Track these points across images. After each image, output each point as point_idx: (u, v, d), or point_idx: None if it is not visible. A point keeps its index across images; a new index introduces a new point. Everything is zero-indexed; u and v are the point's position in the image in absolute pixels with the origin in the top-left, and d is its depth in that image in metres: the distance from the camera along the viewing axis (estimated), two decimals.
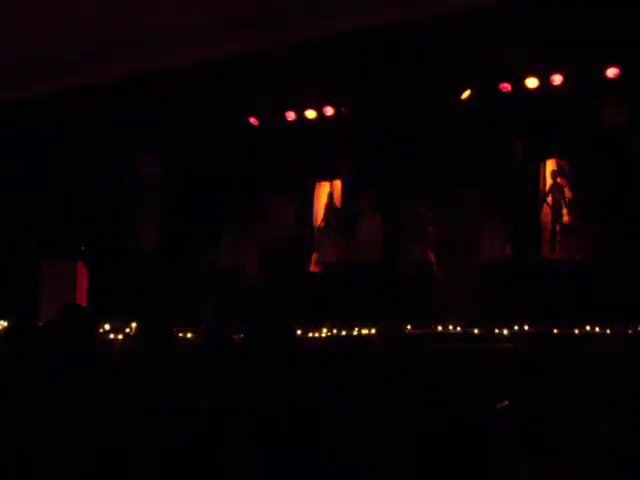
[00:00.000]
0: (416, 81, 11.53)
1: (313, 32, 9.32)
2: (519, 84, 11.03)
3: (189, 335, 8.65)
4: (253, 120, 12.98)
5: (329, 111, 12.32)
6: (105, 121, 11.71)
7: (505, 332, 9.15)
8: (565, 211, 11.44)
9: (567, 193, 11.70)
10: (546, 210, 11.80)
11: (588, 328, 9.41)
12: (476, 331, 9.40)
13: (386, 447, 4.11)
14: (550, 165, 11.91)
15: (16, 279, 12.60)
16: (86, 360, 4.64)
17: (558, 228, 11.45)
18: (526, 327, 9.89)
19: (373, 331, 9.01)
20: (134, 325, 9.14)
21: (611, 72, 10.34)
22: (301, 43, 9.55)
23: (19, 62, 10.76)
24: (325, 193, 13.58)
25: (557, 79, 10.69)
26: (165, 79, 10.75)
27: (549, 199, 11.79)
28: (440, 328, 9.89)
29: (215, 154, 13.06)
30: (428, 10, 8.76)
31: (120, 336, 8.51)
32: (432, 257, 11.01)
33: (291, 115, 12.70)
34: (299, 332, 9.01)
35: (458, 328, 9.91)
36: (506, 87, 11.07)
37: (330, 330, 9.65)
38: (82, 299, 11.45)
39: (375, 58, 10.04)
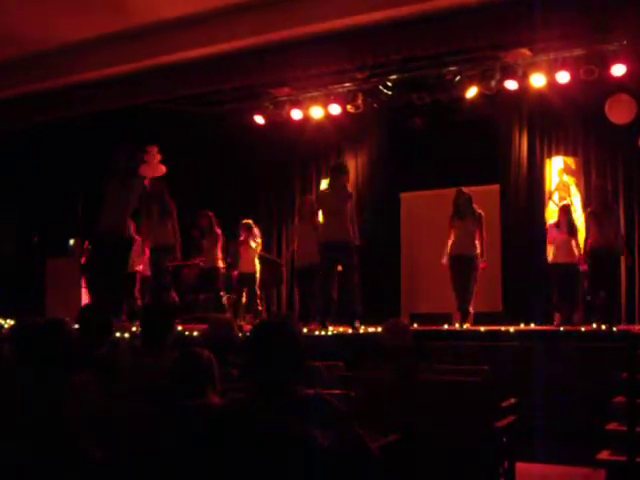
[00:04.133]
0: (423, 77, 11.55)
1: (319, 26, 9.30)
2: (525, 81, 11.00)
3: (195, 333, 8.65)
4: (258, 118, 13.00)
5: (335, 109, 12.28)
6: None
7: (511, 330, 9.13)
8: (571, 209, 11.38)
9: (574, 191, 11.68)
10: (552, 208, 11.78)
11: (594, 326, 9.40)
12: (482, 329, 9.39)
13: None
14: (556, 163, 11.90)
15: (22, 277, 12.63)
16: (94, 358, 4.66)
17: None
18: (532, 325, 9.89)
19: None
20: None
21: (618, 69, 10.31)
22: (307, 38, 9.52)
23: None
24: None
25: (563, 76, 10.65)
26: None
27: (555, 197, 11.77)
28: (446, 326, 9.89)
29: None
30: (433, 4, 8.72)
31: (126, 334, 8.52)
32: None
33: (296, 113, 12.70)
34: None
35: (465, 326, 9.91)
36: (512, 84, 11.05)
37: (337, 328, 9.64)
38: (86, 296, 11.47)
39: (378, 54, 10.01)
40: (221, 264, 11.51)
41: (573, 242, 10.38)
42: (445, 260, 10.30)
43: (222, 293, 11.43)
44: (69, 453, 3.14)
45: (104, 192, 8.97)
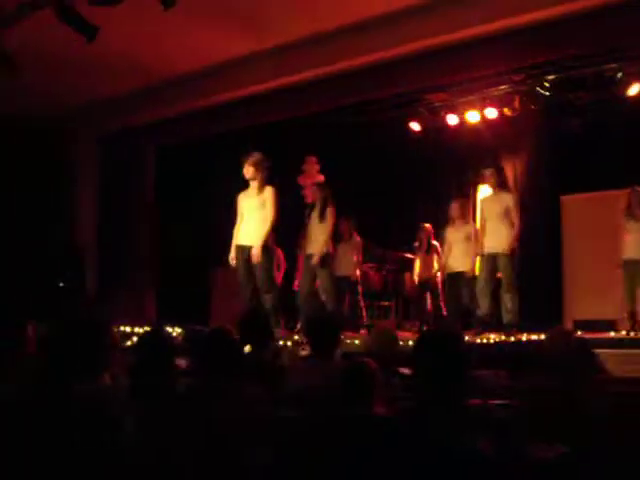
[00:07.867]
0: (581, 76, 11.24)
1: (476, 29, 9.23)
2: None
3: (356, 342, 8.72)
4: (414, 124, 13.00)
5: (492, 113, 12.12)
6: None
7: None
8: None
9: None
10: None
11: None
12: None
13: None
14: None
15: (189, 286, 13.05)
16: None
17: None
18: None
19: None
20: None
21: None
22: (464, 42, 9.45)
23: None
24: None
25: None
26: None
27: None
28: (612, 333, 9.55)
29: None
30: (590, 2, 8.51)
31: (289, 343, 8.69)
32: None
33: (452, 118, 12.62)
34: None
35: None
36: None
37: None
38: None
39: (535, 55, 9.83)
40: (358, 272, 11.18)
41: None
42: (618, 264, 9.81)
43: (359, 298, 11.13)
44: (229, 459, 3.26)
45: (238, 206, 9.21)
